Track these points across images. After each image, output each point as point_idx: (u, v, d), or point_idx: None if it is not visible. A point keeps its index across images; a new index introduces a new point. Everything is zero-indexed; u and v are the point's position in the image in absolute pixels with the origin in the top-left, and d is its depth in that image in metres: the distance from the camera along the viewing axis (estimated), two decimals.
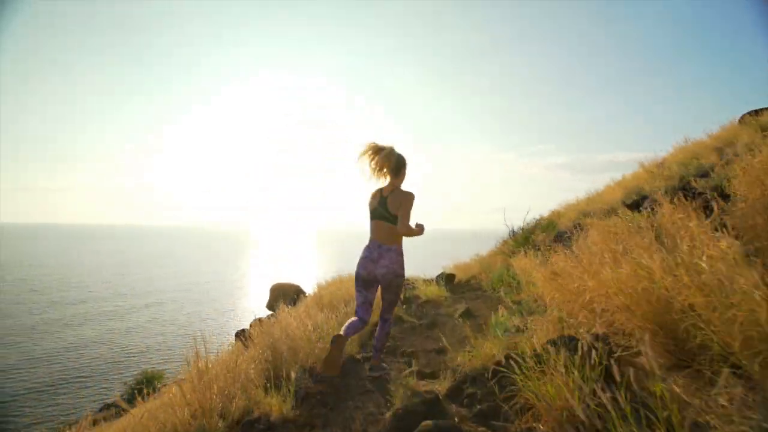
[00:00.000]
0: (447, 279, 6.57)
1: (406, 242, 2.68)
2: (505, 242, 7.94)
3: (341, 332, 2.50)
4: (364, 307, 2.67)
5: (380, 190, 2.66)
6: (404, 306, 4.79)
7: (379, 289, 2.67)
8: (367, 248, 2.66)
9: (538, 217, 8.69)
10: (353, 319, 2.65)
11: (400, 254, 2.63)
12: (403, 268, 2.64)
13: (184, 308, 22.17)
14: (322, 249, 76.97)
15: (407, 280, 6.04)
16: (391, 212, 2.57)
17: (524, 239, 7.25)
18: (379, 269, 2.57)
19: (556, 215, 8.65)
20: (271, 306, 12.51)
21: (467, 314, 4.17)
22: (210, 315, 20.82)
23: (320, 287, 7.28)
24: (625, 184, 7.45)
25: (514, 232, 7.96)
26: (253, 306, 17.99)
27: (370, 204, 2.69)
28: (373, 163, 2.58)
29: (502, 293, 4.29)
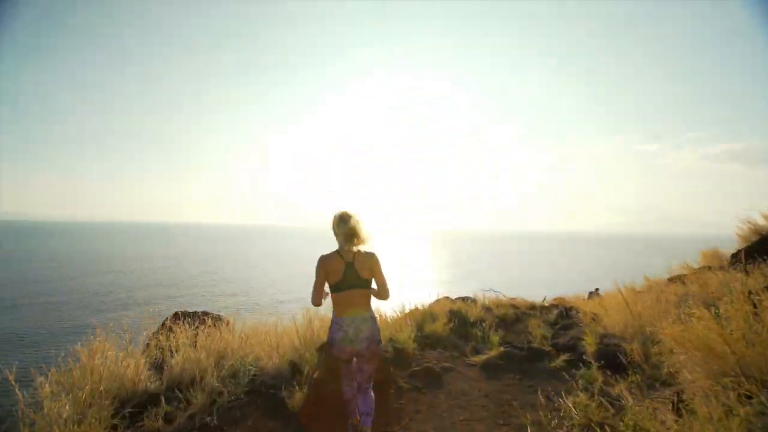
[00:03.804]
0: None
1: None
2: None
3: (360, 426, 2.47)
4: (350, 376, 2.58)
5: (338, 255, 2.44)
6: None
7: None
8: (339, 328, 2.42)
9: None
10: (350, 394, 2.57)
11: (376, 319, 2.52)
12: (380, 333, 2.52)
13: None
14: (438, 252, 79.05)
15: None
16: (363, 278, 2.43)
17: None
18: (360, 344, 2.41)
19: None
20: None
21: None
22: None
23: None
24: None
25: None
26: None
27: (331, 274, 2.42)
28: (347, 232, 2.43)
29: None
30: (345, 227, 2.42)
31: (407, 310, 6.41)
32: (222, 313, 5.40)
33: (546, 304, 9.52)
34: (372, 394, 2.57)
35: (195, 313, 5.21)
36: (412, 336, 4.14)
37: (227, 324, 4.63)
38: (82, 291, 27.44)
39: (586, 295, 12.37)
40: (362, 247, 2.48)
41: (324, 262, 2.41)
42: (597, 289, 13.38)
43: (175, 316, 5.11)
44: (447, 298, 8.34)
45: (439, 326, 5.13)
